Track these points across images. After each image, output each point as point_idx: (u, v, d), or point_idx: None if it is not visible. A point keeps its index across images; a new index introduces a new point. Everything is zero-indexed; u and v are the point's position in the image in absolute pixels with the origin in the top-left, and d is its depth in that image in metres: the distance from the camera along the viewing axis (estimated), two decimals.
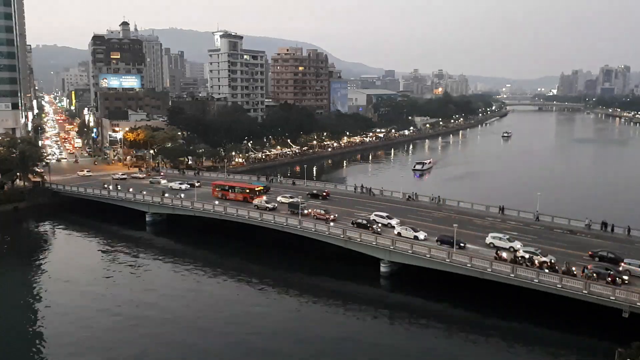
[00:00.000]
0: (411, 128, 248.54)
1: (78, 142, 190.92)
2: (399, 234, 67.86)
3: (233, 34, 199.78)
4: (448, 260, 59.33)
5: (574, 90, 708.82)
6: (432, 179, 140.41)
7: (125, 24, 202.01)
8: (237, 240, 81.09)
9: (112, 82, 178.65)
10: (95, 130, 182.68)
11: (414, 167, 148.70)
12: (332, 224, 71.98)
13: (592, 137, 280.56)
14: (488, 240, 64.98)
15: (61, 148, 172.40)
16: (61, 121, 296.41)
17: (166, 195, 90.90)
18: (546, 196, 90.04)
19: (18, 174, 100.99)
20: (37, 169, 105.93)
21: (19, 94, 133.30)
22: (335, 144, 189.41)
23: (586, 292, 50.61)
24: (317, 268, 69.17)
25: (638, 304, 48.26)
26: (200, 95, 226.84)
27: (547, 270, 54.43)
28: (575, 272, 53.93)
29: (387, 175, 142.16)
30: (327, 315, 56.52)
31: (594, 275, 52.67)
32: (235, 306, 58.64)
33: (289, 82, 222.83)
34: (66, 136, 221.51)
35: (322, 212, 77.00)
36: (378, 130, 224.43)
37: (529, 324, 52.74)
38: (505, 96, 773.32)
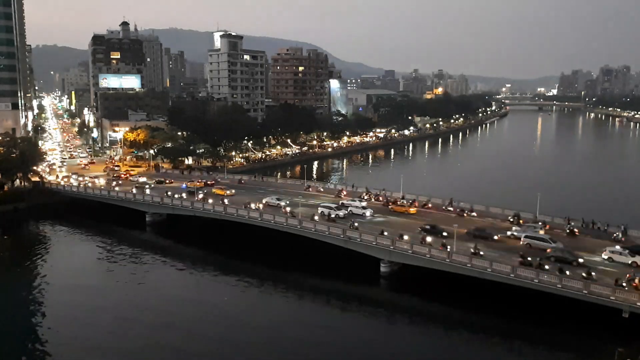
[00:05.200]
0: (411, 128, 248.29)
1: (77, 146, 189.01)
2: None
3: (233, 34, 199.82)
4: (448, 260, 59.36)
5: (574, 90, 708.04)
6: (433, 180, 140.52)
7: (125, 24, 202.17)
8: (237, 240, 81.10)
9: (112, 82, 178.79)
10: (95, 130, 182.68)
11: None
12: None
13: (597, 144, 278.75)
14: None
15: (63, 149, 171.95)
16: (66, 122, 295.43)
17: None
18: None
19: (18, 174, 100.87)
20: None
21: (19, 94, 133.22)
22: (335, 144, 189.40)
23: (586, 292, 50.64)
24: (317, 268, 69.14)
25: (638, 304, 48.31)
26: (200, 95, 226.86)
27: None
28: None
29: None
30: (326, 315, 56.55)
31: None
32: (235, 306, 58.70)
33: (289, 82, 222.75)
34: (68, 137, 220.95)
35: None
36: (378, 130, 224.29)
37: (529, 324, 52.76)
38: (505, 96, 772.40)
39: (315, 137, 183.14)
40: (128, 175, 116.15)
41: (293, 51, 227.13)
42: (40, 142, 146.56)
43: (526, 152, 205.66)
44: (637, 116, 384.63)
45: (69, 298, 59.73)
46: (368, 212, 79.70)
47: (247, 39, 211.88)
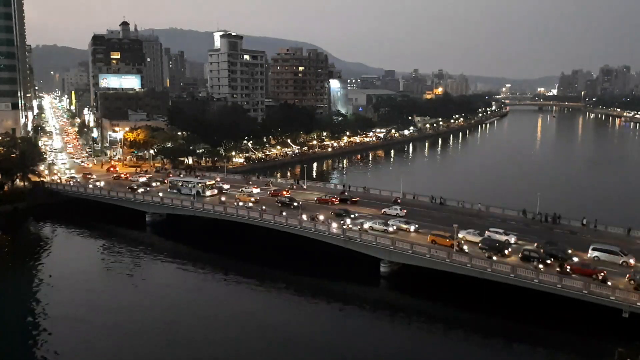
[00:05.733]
0: (411, 128, 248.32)
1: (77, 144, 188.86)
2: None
3: (233, 34, 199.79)
4: (448, 260, 59.37)
5: (574, 90, 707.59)
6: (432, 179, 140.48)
7: (125, 24, 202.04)
8: (237, 240, 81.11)
9: (112, 82, 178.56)
10: (95, 130, 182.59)
11: None
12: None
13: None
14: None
15: (63, 149, 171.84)
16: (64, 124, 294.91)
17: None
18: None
19: (18, 174, 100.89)
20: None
21: (19, 94, 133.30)
22: (335, 144, 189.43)
23: (586, 292, 50.68)
24: (317, 268, 69.16)
25: (638, 304, 48.36)
26: (200, 95, 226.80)
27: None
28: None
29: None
30: (326, 315, 56.55)
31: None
32: (235, 306, 58.71)
33: (289, 82, 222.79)
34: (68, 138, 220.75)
35: None
36: (378, 130, 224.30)
37: (529, 324, 52.77)
38: (505, 96, 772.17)
39: (315, 137, 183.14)
40: (128, 175, 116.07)
41: (293, 51, 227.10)
42: (40, 143, 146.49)
43: (525, 152, 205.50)
44: (637, 116, 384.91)
45: (68, 297, 59.73)
46: None
47: (247, 39, 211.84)
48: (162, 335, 50.73)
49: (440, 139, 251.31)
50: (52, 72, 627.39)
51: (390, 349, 48.77)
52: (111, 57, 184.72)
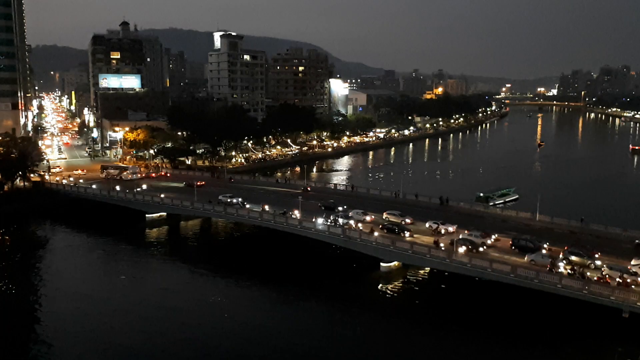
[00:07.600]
0: (411, 128, 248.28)
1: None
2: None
3: (233, 34, 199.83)
4: (448, 261, 59.42)
5: (574, 90, 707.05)
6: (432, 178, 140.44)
7: (125, 24, 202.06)
8: (237, 240, 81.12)
9: (112, 82, 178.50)
10: (95, 130, 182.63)
11: None
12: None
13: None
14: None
15: (62, 147, 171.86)
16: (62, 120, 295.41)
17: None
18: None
19: (18, 174, 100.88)
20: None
21: (19, 94, 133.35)
22: (335, 144, 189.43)
23: (586, 292, 50.72)
24: (317, 268, 69.17)
25: (638, 304, 48.39)
26: (200, 95, 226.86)
27: None
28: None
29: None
30: (326, 315, 56.56)
31: None
32: (234, 306, 58.71)
33: (289, 82, 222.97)
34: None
35: None
36: (378, 130, 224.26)
37: (529, 324, 52.78)
38: (505, 96, 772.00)
39: (315, 137, 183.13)
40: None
41: (293, 51, 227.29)
42: (40, 143, 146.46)
43: (524, 151, 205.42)
44: (637, 116, 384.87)
45: (68, 298, 59.76)
46: None
47: (247, 39, 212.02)
48: (161, 336, 50.71)
49: (440, 139, 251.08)
50: (52, 72, 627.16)
51: (390, 348, 48.77)
52: (111, 57, 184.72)
